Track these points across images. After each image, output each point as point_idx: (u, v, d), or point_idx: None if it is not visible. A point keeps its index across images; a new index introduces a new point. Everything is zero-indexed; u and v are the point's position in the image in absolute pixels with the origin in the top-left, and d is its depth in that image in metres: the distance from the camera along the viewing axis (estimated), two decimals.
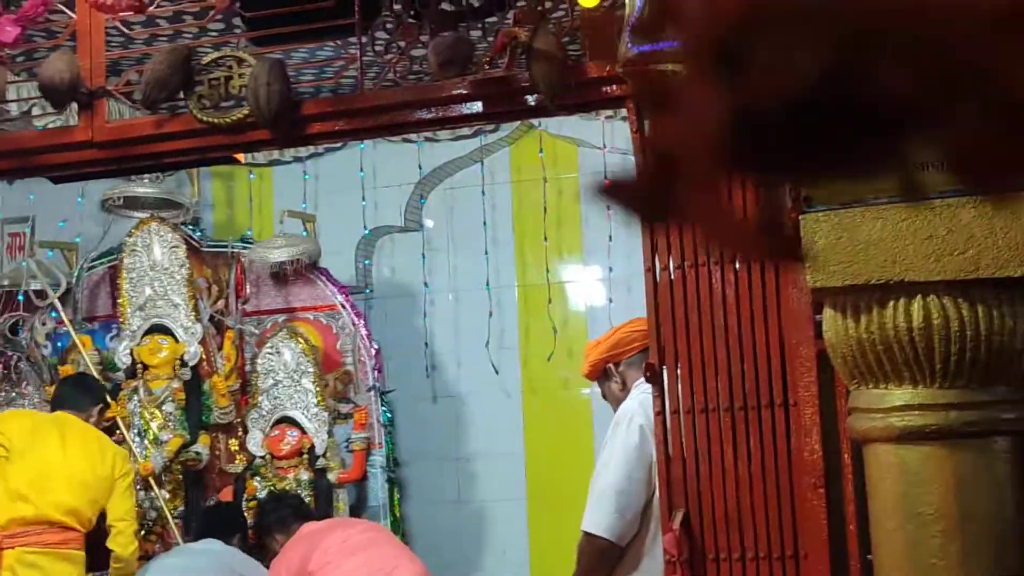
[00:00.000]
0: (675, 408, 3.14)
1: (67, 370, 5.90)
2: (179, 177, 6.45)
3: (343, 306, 6.15)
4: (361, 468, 5.87)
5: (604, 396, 3.85)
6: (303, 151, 6.59)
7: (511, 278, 6.55)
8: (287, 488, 5.70)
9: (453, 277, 6.58)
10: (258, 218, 6.73)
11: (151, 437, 5.83)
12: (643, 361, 3.54)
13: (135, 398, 5.90)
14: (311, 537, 4.83)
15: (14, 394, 6.16)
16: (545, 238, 6.30)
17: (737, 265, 3.09)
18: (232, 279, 6.17)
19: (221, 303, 6.12)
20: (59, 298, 6.11)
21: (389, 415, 6.17)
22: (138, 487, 5.49)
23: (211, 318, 6.08)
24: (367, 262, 6.75)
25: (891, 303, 2.10)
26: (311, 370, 5.86)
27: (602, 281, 6.37)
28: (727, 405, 3.08)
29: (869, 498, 2.23)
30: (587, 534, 3.46)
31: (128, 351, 5.96)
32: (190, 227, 6.25)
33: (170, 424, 5.86)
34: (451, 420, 6.56)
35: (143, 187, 6.05)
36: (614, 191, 0.68)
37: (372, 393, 6.04)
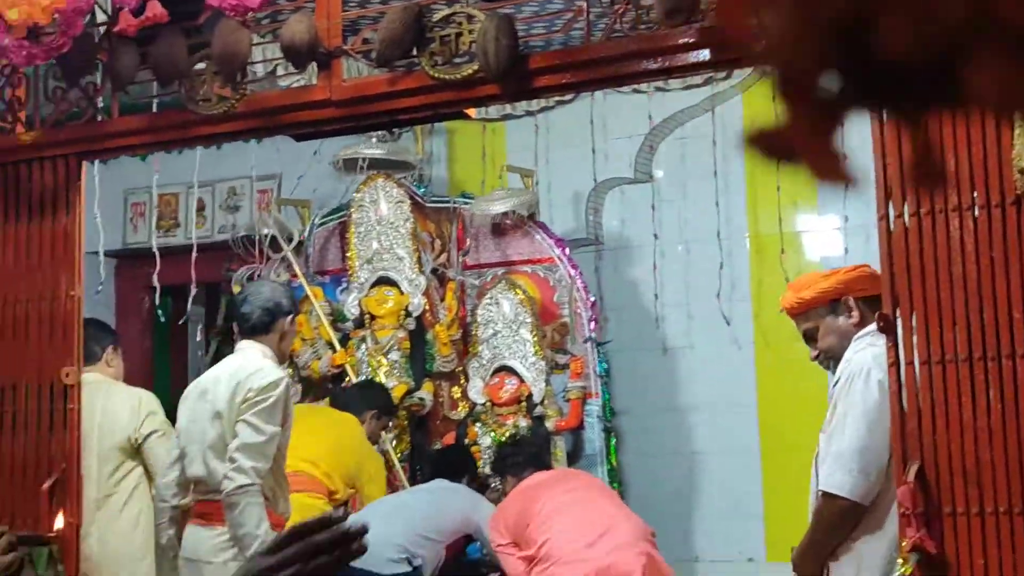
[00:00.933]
0: (910, 359, 3.05)
1: (300, 320, 6.17)
2: (405, 135, 6.62)
3: (560, 259, 6.22)
4: (578, 417, 5.97)
5: (813, 335, 3.67)
6: (534, 105, 6.65)
7: (743, 228, 6.47)
8: (506, 435, 5.83)
9: (683, 228, 6.55)
10: (491, 172, 6.84)
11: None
12: (875, 307, 3.46)
13: (363, 347, 6.17)
14: (527, 492, 4.96)
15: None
16: (778, 187, 6.18)
17: (976, 211, 2.98)
18: (454, 233, 6.32)
19: (443, 257, 6.30)
20: (292, 252, 6.40)
21: (605, 366, 6.21)
22: None
23: (434, 271, 6.27)
24: (597, 214, 6.78)
25: None
26: (529, 320, 5.98)
27: (838, 230, 6.22)
28: (965, 356, 2.97)
29: None
30: (828, 495, 3.36)
31: (356, 302, 6.22)
32: (414, 183, 6.42)
33: (395, 372, 6.10)
34: (680, 371, 6.54)
35: (372, 147, 6.25)
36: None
37: (588, 344, 6.10)
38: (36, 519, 3.99)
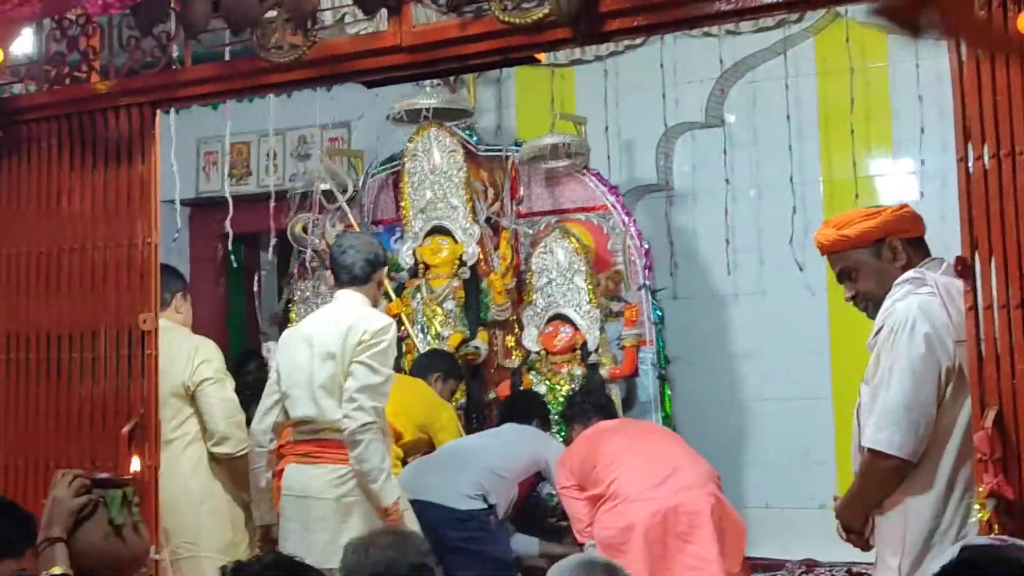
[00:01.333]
0: (988, 304, 3.01)
1: None
2: (456, 85, 6.61)
3: (613, 206, 6.21)
4: (632, 364, 5.98)
5: (850, 274, 3.51)
6: (603, 49, 6.61)
7: (816, 173, 6.40)
8: (560, 383, 5.87)
9: (755, 173, 6.48)
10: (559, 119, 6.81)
11: (432, 332, 6.15)
12: (918, 250, 3.40)
13: (418, 296, 6.21)
14: (593, 437, 5.03)
15: (308, 293, 6.57)
16: (852, 131, 6.09)
17: None
18: (507, 182, 6.31)
19: (497, 205, 6.30)
20: (346, 202, 6.44)
21: (660, 313, 6.19)
22: None
23: (487, 220, 6.27)
24: (667, 160, 6.73)
25: None
26: (583, 268, 5.99)
27: (913, 174, 6.13)
28: None
29: None
30: (875, 452, 3.24)
31: (411, 252, 6.25)
32: (467, 132, 6.41)
33: (450, 321, 6.15)
34: (752, 318, 6.51)
35: (427, 98, 6.24)
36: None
37: (643, 292, 6.09)
38: (116, 463, 4.07)
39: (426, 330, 6.17)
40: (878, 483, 3.31)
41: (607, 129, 6.60)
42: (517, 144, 6.47)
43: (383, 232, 6.57)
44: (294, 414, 4.46)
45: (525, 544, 5.35)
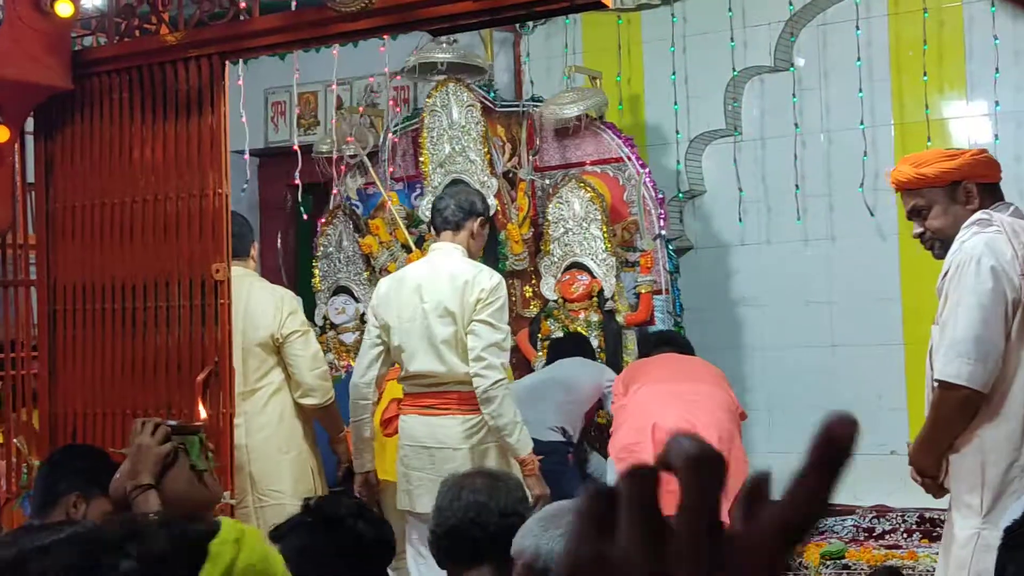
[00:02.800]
0: None
1: (377, 224, 6.34)
2: (472, 42, 6.57)
3: (628, 158, 6.18)
4: (647, 311, 6.00)
5: (921, 212, 3.51)
6: None
7: (887, 116, 6.29)
8: (577, 329, 5.96)
9: (825, 117, 6.39)
10: (627, 64, 6.76)
11: None
12: (991, 195, 3.40)
13: None
14: (639, 364, 5.34)
15: (331, 248, 6.64)
16: (925, 73, 5.99)
17: None
18: (523, 136, 6.32)
19: (514, 160, 6.32)
20: (367, 158, 6.50)
21: (675, 263, 6.17)
22: None
23: (505, 173, 6.29)
24: (735, 104, 6.65)
25: None
26: (599, 217, 6.03)
27: (987, 117, 6.01)
28: None
29: None
30: (946, 384, 3.26)
31: (430, 205, 6.25)
32: (483, 88, 6.42)
33: None
34: (822, 264, 6.45)
35: (442, 52, 6.25)
36: None
37: (658, 241, 6.07)
38: (190, 411, 4.15)
39: None
40: (950, 417, 3.32)
41: (674, 74, 6.54)
42: (534, 100, 6.47)
43: (403, 188, 6.61)
44: (412, 368, 4.55)
45: (602, 466, 5.48)
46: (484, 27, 5.61)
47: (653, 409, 4.77)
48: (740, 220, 6.55)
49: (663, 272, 6.08)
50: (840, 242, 6.41)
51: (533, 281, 6.29)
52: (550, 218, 6.16)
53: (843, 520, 5.66)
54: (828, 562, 5.19)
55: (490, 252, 6.23)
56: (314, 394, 4.78)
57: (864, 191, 6.15)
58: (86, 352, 4.49)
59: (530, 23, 6.70)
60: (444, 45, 6.29)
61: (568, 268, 6.08)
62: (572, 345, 5.80)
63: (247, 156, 6.45)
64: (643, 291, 6.02)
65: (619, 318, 6.01)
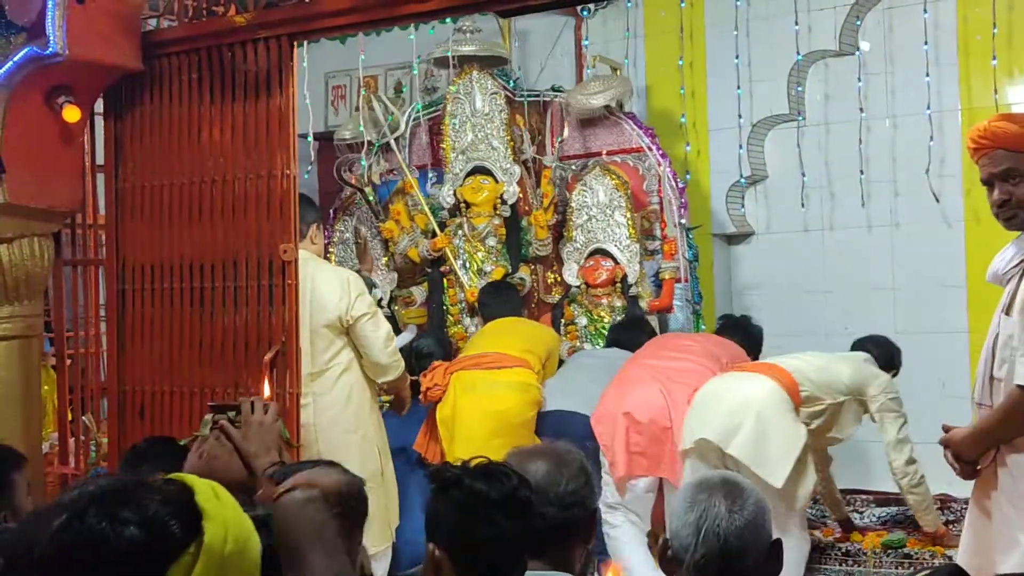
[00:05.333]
0: None
1: (398, 209, 6.40)
2: (494, 31, 6.57)
3: (649, 148, 6.16)
4: (669, 297, 6.05)
5: (1008, 178, 3.15)
6: None
7: (954, 101, 6.21)
8: (601, 314, 6.03)
9: (891, 101, 6.32)
10: (688, 48, 6.72)
11: (474, 268, 6.32)
12: None
13: (459, 233, 6.32)
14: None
15: (347, 234, 6.66)
16: (994, 57, 5.91)
17: None
18: (547, 124, 6.34)
19: (535, 148, 6.35)
20: (387, 145, 6.51)
21: (694, 251, 6.14)
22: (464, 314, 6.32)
23: (526, 162, 6.30)
24: (799, 88, 6.60)
25: None
26: (623, 204, 6.05)
27: None
28: None
29: None
30: None
31: (452, 191, 6.31)
32: (504, 78, 6.40)
33: (492, 256, 6.30)
34: (886, 249, 6.38)
35: (468, 44, 6.26)
36: None
37: (678, 230, 6.04)
38: (257, 389, 4.17)
39: (467, 266, 6.33)
40: (1022, 422, 3.13)
41: (737, 58, 6.50)
42: (555, 89, 6.48)
43: (420, 176, 6.61)
44: None
45: None
46: (552, 9, 5.58)
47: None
48: (803, 205, 6.50)
49: (682, 260, 6.08)
50: (904, 228, 6.34)
51: (555, 268, 6.33)
52: (573, 205, 6.18)
53: (905, 510, 5.60)
54: (890, 551, 5.14)
55: (512, 240, 6.27)
56: (389, 371, 4.91)
57: (929, 177, 6.08)
58: (154, 331, 4.54)
59: (591, 6, 6.68)
60: (468, 36, 6.33)
61: (591, 254, 6.12)
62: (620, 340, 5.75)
63: (311, 138, 6.48)
64: (666, 277, 6.06)
65: (642, 303, 6.04)
